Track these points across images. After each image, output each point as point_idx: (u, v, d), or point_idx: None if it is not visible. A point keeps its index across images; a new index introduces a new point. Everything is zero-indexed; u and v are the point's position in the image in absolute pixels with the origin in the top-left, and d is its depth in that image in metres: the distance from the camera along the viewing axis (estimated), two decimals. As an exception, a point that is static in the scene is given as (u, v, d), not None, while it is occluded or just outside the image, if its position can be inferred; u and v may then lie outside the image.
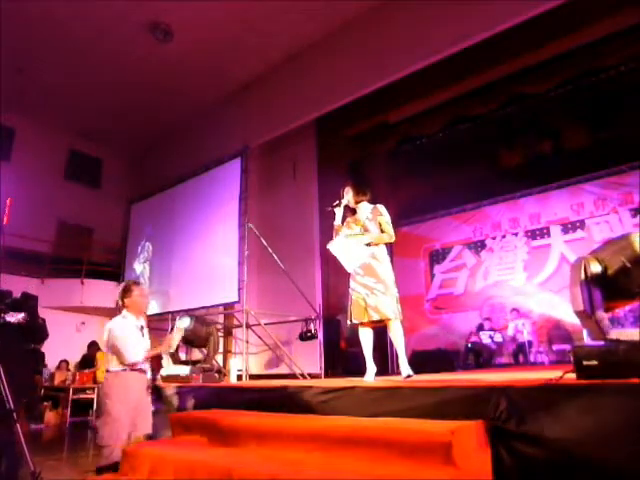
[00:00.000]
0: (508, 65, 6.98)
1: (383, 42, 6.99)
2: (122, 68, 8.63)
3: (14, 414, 3.16)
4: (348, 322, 3.53)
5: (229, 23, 7.56)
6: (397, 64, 6.77)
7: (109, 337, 3.42)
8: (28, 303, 3.59)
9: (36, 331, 3.73)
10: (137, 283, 3.62)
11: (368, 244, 3.49)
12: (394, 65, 6.81)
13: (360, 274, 3.47)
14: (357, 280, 3.48)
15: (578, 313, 2.03)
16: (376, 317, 3.33)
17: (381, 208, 3.62)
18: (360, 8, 7.20)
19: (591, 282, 2.01)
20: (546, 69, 7.11)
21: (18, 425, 3.19)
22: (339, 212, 3.68)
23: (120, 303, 3.51)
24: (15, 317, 3.49)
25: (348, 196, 3.66)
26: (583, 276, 2.01)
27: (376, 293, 3.35)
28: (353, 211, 3.72)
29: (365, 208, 3.66)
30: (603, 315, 1.99)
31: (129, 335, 3.42)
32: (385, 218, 3.59)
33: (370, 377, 3.41)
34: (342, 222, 3.69)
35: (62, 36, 7.86)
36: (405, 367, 3.34)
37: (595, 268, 2.01)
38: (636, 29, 6.10)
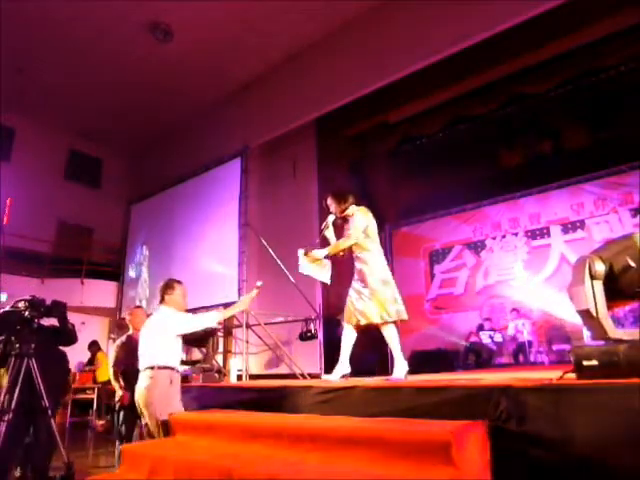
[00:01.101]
0: (508, 65, 6.97)
1: (383, 42, 6.99)
2: (122, 68, 8.63)
3: (49, 411, 3.42)
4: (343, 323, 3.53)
5: (229, 23, 7.57)
6: (397, 64, 6.78)
7: (168, 325, 3.32)
8: (58, 309, 3.74)
9: (66, 335, 3.90)
10: (179, 282, 3.61)
11: (326, 256, 3.49)
12: (394, 65, 6.81)
13: (355, 278, 3.49)
14: (352, 284, 3.50)
15: (582, 312, 2.01)
16: (363, 321, 3.32)
17: (356, 213, 3.52)
18: (360, 8, 7.20)
19: (595, 281, 1.99)
20: (546, 69, 7.11)
21: (53, 421, 3.47)
22: (330, 233, 3.61)
23: (159, 298, 3.51)
24: (48, 322, 3.69)
25: (332, 210, 3.59)
26: (588, 275, 1.99)
27: (363, 298, 3.34)
28: (345, 220, 3.63)
29: (350, 215, 3.58)
30: (607, 314, 1.98)
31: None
32: (354, 222, 3.47)
33: (336, 376, 3.35)
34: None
35: (62, 36, 7.86)
36: (398, 369, 3.29)
37: (599, 267, 1.99)
38: (636, 29, 6.09)
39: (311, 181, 8.43)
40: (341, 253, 3.54)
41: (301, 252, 3.51)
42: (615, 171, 8.03)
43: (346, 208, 3.57)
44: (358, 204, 3.65)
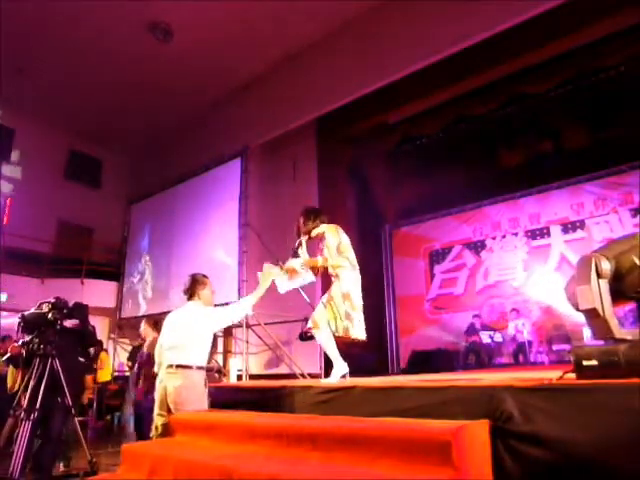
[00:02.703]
0: (508, 65, 6.97)
1: (383, 42, 6.99)
2: (122, 68, 8.63)
3: (72, 409, 3.55)
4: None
5: (229, 23, 7.57)
6: (397, 64, 6.78)
7: (204, 322, 3.28)
8: (80, 311, 3.85)
9: (87, 336, 4.06)
10: (207, 277, 3.52)
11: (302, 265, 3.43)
12: (394, 65, 6.81)
13: None
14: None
15: (587, 311, 1.96)
16: (309, 325, 3.30)
17: (327, 232, 3.42)
18: (360, 8, 7.20)
19: (602, 279, 1.96)
20: (546, 69, 7.11)
21: (76, 420, 3.59)
22: (303, 250, 3.51)
23: (189, 293, 3.42)
24: (71, 323, 3.80)
25: (303, 230, 3.50)
26: (594, 273, 1.96)
27: (320, 304, 3.32)
28: (312, 238, 3.54)
29: (320, 234, 3.50)
30: (613, 313, 1.95)
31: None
32: (328, 242, 3.38)
33: (333, 379, 3.30)
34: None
35: (62, 36, 7.86)
36: (334, 371, 3.26)
37: (606, 265, 1.96)
38: (636, 29, 6.09)
39: (311, 181, 8.43)
40: (315, 271, 3.48)
41: (274, 269, 3.39)
42: (615, 171, 8.04)
43: (314, 227, 3.47)
44: (330, 221, 3.54)
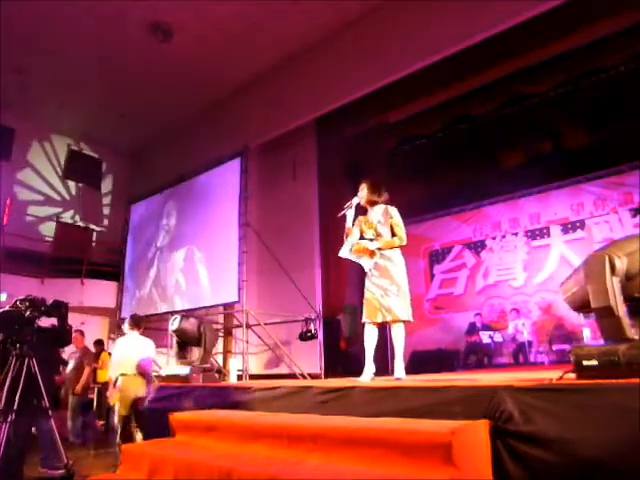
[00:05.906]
0: (508, 65, 6.96)
1: (383, 42, 6.99)
2: (122, 68, 8.63)
3: (49, 411, 3.51)
4: (363, 319, 3.48)
5: (229, 23, 7.56)
6: (397, 64, 6.78)
7: (144, 354, 4.55)
8: (59, 310, 3.71)
9: (64, 336, 3.85)
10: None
11: (379, 249, 3.45)
12: (394, 65, 6.81)
13: (375, 275, 3.43)
14: (372, 280, 3.44)
15: (601, 309, 1.92)
16: (389, 318, 3.30)
17: (392, 210, 3.57)
18: (360, 8, 7.20)
19: (615, 277, 1.92)
20: (546, 69, 7.10)
21: (52, 421, 3.56)
22: (350, 214, 3.61)
23: (139, 326, 4.79)
24: (48, 322, 3.68)
25: (362, 194, 3.62)
26: (609, 271, 1.93)
27: (390, 295, 3.32)
28: (365, 210, 3.67)
29: (377, 210, 3.61)
30: (626, 313, 1.93)
31: None
32: (396, 220, 3.53)
33: (367, 377, 3.36)
34: (353, 222, 3.61)
35: (62, 36, 7.86)
36: (400, 369, 3.34)
37: (619, 263, 1.93)
38: (636, 29, 6.09)
39: (311, 181, 8.43)
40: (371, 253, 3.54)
41: (345, 249, 3.48)
42: (615, 171, 8.03)
43: (374, 202, 3.62)
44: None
